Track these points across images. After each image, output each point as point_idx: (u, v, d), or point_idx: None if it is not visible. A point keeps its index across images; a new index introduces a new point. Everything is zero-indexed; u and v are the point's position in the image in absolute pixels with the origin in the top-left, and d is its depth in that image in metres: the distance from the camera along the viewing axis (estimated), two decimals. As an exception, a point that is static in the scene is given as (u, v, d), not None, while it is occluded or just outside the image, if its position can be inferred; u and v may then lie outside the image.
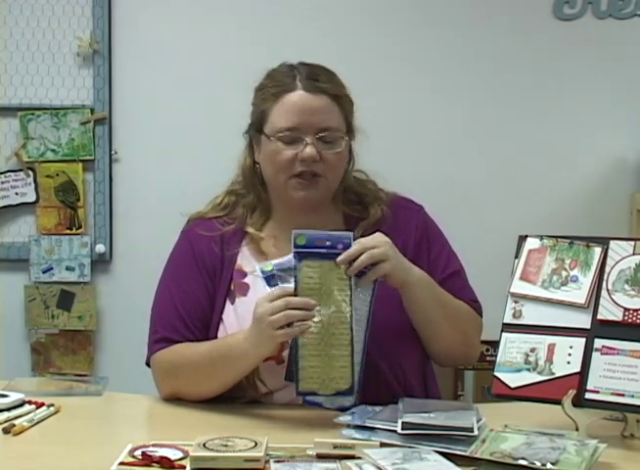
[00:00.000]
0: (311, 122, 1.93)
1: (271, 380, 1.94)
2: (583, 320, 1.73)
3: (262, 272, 1.81)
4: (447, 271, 2.06)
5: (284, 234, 1.97)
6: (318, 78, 1.97)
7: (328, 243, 1.79)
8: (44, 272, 3.30)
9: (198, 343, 1.96)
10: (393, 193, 2.12)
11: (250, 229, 2.03)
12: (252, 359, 1.85)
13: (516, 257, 1.83)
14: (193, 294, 2.00)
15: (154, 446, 1.58)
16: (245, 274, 2.00)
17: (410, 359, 2.00)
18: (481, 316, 2.08)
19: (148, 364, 2.03)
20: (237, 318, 1.96)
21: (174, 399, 1.98)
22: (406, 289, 1.90)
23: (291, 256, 1.79)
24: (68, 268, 3.30)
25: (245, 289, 1.99)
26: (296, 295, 1.76)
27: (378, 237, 1.87)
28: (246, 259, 2.02)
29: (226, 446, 1.54)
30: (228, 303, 1.99)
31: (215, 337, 1.97)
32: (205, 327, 1.99)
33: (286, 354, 1.89)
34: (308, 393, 1.77)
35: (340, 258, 1.79)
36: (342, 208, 2.06)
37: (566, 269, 1.77)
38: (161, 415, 1.95)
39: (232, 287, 2.00)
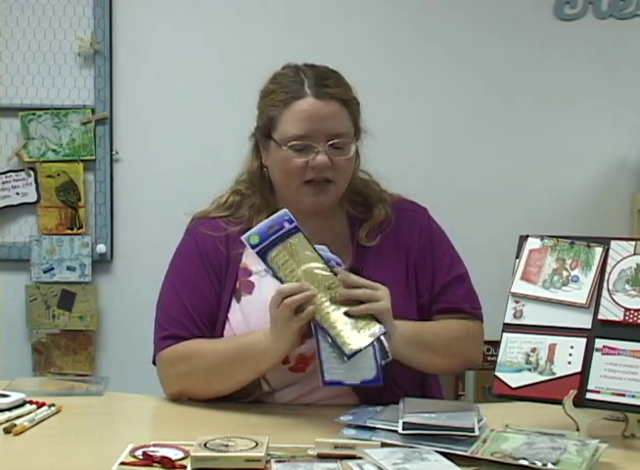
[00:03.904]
0: (322, 130, 1.93)
1: (275, 379, 1.94)
2: (584, 320, 1.73)
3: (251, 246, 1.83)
4: (451, 275, 2.06)
5: None
6: (327, 83, 1.96)
7: (276, 227, 1.82)
8: (45, 272, 3.31)
9: (210, 340, 1.95)
10: (397, 195, 2.12)
11: None
12: (271, 356, 1.85)
13: (517, 256, 1.83)
14: (200, 291, 1.99)
15: (155, 445, 1.58)
16: (250, 273, 2.00)
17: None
18: (482, 321, 2.08)
19: (154, 363, 2.01)
20: (243, 317, 1.96)
21: (175, 399, 1.98)
22: (399, 342, 1.87)
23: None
24: (68, 268, 3.30)
25: (250, 287, 1.99)
26: None
27: (381, 288, 1.85)
28: (251, 257, 2.01)
29: (227, 445, 1.54)
30: (234, 301, 1.99)
31: (221, 335, 1.97)
32: (212, 324, 1.98)
33: (292, 355, 1.90)
34: (355, 352, 1.74)
35: (344, 281, 1.81)
36: (346, 208, 2.06)
37: (566, 269, 1.77)
38: (162, 415, 1.95)
39: (237, 286, 2.00)
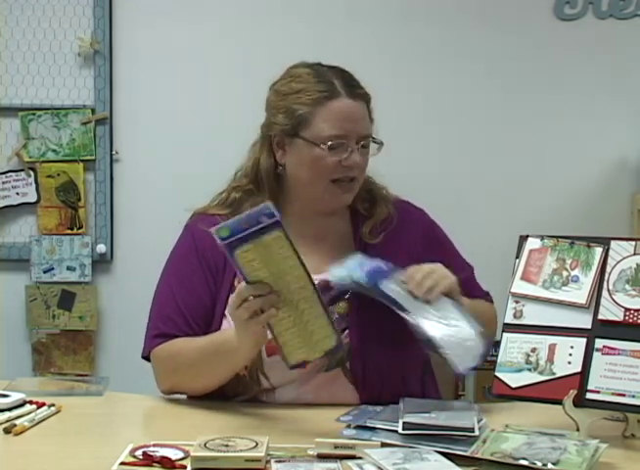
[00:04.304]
0: (356, 130, 1.96)
1: (275, 375, 1.94)
2: (584, 320, 1.73)
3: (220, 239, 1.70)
4: (463, 275, 2.07)
5: (293, 232, 1.98)
6: (355, 84, 2.00)
7: (251, 222, 1.68)
8: (45, 272, 3.31)
9: (194, 338, 1.97)
10: (394, 195, 2.13)
11: None
12: (243, 354, 1.86)
13: (517, 256, 1.83)
14: (194, 290, 2.00)
15: (154, 445, 1.58)
16: None
17: (411, 360, 2.01)
18: (493, 303, 2.16)
19: (144, 357, 2.04)
20: None
21: (174, 398, 1.99)
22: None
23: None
24: (68, 268, 3.30)
25: None
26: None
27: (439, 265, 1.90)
28: None
29: (227, 446, 1.54)
30: (231, 298, 1.99)
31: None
32: (206, 324, 1.99)
33: None
34: (300, 364, 1.74)
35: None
36: (351, 205, 2.07)
37: (567, 269, 1.77)
38: (162, 415, 1.95)
39: (235, 283, 2.00)
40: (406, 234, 2.07)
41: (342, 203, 2.03)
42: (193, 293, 2.00)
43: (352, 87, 1.98)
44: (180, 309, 1.99)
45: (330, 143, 1.95)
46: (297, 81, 2.01)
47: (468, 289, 2.06)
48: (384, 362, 1.95)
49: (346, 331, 1.95)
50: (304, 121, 1.97)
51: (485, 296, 2.15)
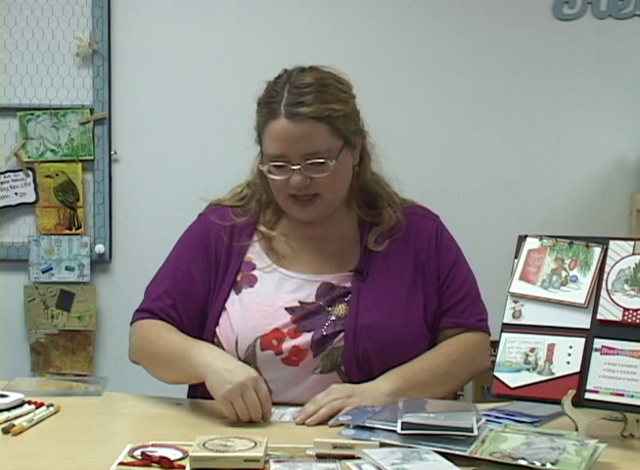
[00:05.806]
0: (296, 150, 1.92)
1: (267, 370, 1.94)
2: (583, 320, 1.73)
3: None
4: (457, 291, 2.06)
5: (296, 233, 2.05)
6: (302, 101, 1.92)
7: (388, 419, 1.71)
8: (44, 272, 3.30)
9: (171, 330, 2.00)
10: (411, 200, 2.13)
11: (262, 228, 2.05)
12: (198, 380, 1.87)
13: (515, 256, 1.83)
14: (190, 275, 2.04)
15: (153, 446, 1.58)
16: (254, 267, 2.04)
17: (406, 363, 2.01)
18: (488, 333, 2.07)
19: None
20: (242, 308, 1.99)
21: (173, 398, 2.00)
22: (391, 402, 1.85)
23: None
24: (67, 268, 3.30)
25: (252, 281, 2.02)
26: None
27: (332, 389, 1.87)
28: (256, 254, 2.05)
29: (226, 446, 1.54)
30: (233, 293, 2.01)
31: (216, 324, 2.00)
32: (193, 310, 2.03)
33: (286, 347, 1.93)
34: None
35: (298, 420, 1.81)
36: (356, 211, 2.07)
37: (565, 269, 1.77)
38: (161, 415, 1.95)
39: (239, 278, 2.02)
40: (413, 241, 2.05)
41: (308, 217, 2.00)
42: (187, 278, 2.04)
43: (295, 106, 1.91)
44: (170, 290, 2.04)
45: (270, 163, 1.95)
46: (263, 94, 2.01)
47: (453, 310, 2.04)
48: (378, 365, 1.94)
49: (341, 334, 1.95)
50: (259, 137, 2.00)
51: (476, 323, 2.05)
